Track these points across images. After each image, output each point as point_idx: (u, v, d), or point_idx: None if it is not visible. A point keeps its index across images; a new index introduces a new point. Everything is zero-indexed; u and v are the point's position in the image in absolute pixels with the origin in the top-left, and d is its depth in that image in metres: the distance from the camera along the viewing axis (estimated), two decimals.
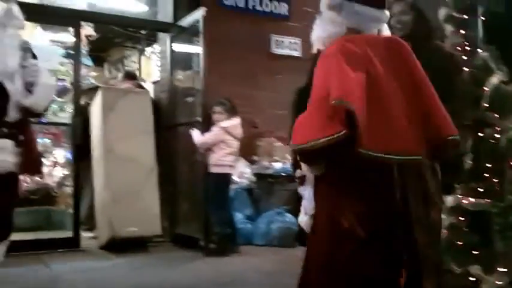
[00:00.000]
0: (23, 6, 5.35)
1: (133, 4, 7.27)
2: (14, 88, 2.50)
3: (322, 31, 2.29)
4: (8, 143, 2.51)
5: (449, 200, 3.18)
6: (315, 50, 2.34)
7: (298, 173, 2.34)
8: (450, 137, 2.08)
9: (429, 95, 2.11)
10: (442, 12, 3.48)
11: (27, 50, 2.57)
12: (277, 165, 5.87)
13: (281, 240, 5.42)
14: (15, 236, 4.89)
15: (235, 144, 5.12)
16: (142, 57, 8.10)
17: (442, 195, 2.52)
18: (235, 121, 5.12)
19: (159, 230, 5.25)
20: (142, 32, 7.29)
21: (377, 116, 1.96)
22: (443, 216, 2.55)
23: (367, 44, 2.12)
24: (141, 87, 6.08)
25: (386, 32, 2.37)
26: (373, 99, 1.97)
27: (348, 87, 1.94)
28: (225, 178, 5.11)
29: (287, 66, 6.02)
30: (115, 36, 8.00)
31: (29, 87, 2.59)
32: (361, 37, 2.18)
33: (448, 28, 3.44)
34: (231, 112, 5.12)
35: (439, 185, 2.42)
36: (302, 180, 2.31)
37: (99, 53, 8.39)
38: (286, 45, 6.25)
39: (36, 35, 6.57)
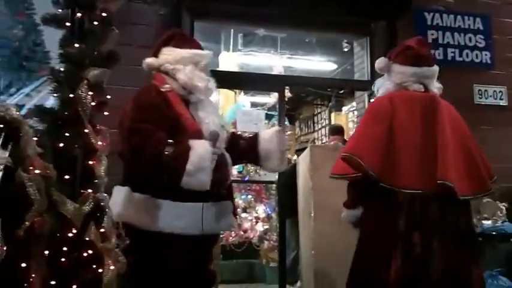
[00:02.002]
0: (232, 75, 5.92)
1: (323, 64, 7.60)
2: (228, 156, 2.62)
3: (381, 89, 2.80)
4: (230, 204, 2.63)
5: None
6: None
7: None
8: (439, 181, 2.39)
9: (445, 144, 2.50)
10: None
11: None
12: (486, 223, 5.42)
13: None
14: None
15: None
16: (332, 114, 8.30)
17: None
18: None
19: None
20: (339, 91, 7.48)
21: (393, 158, 2.44)
22: None
23: (403, 100, 2.62)
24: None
25: (433, 85, 2.81)
26: (393, 145, 2.46)
27: (359, 143, 2.53)
28: None
29: (493, 117, 5.66)
30: (306, 95, 8.37)
31: None
32: (401, 94, 2.67)
33: None
34: None
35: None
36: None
37: (292, 112, 8.84)
38: (491, 95, 5.89)
39: (239, 99, 7.18)
